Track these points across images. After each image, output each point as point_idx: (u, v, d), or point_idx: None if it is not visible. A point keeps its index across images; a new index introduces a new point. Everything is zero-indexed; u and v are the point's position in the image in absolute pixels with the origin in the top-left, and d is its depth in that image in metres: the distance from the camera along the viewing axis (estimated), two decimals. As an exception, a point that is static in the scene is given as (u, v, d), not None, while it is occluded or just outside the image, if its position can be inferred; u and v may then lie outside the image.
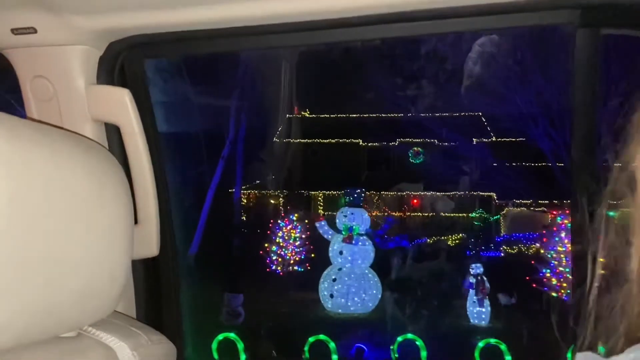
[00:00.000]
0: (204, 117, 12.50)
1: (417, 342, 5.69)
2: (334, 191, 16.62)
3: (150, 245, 1.14)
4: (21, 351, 0.73)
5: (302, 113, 18.65)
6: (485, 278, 6.78)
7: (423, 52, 15.96)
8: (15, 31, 1.07)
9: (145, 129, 1.14)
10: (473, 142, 16.83)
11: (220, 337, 5.73)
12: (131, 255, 0.89)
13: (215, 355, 5.61)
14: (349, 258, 7.41)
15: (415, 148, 17.35)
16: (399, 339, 5.74)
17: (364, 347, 5.63)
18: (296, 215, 8.53)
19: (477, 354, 5.75)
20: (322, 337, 5.72)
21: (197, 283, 8.65)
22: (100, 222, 0.80)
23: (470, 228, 15.38)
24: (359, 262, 7.40)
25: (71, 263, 0.75)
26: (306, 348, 5.74)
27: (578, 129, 1.06)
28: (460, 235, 14.32)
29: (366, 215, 7.60)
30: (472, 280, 6.88)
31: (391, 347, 5.65)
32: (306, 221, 9.40)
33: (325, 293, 7.48)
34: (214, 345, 5.69)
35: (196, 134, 11.99)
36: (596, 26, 1.01)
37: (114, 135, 1.17)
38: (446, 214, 16.45)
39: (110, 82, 1.15)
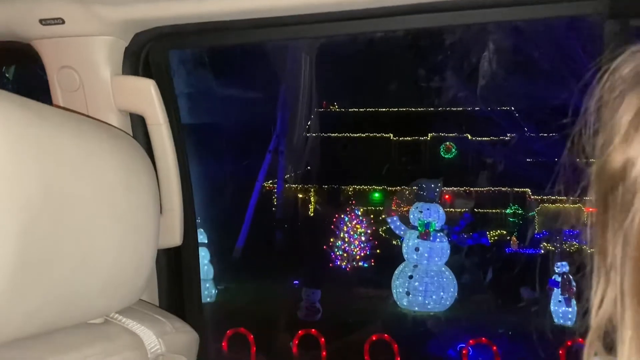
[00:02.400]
0: (245, 111, 12.35)
1: (493, 347, 5.48)
2: (364, 186, 16.49)
3: (174, 235, 1.14)
4: (50, 336, 0.74)
5: (331, 107, 18.49)
6: (571, 277, 6.63)
7: (451, 43, 15.74)
8: (44, 22, 1.08)
9: (170, 120, 1.14)
10: (507, 137, 16.69)
11: (301, 332, 5.52)
12: (157, 244, 0.89)
13: (295, 351, 5.43)
14: (426, 255, 7.27)
15: (447, 143, 17.18)
16: (472, 342, 5.48)
17: (470, 348, 5.47)
18: (361, 209, 8.35)
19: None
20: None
21: (248, 276, 8.53)
22: (127, 211, 0.80)
23: (506, 224, 15.25)
24: (436, 259, 7.26)
25: (99, 251, 0.75)
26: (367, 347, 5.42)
27: None
28: (499, 231, 14.21)
29: (442, 210, 7.45)
30: (558, 278, 6.74)
31: (463, 352, 5.44)
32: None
33: (401, 290, 7.34)
34: (296, 341, 5.49)
35: (240, 128, 11.83)
36: (625, 17, 0.98)
37: (138, 126, 1.18)
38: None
39: (136, 72, 1.17)
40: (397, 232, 7.62)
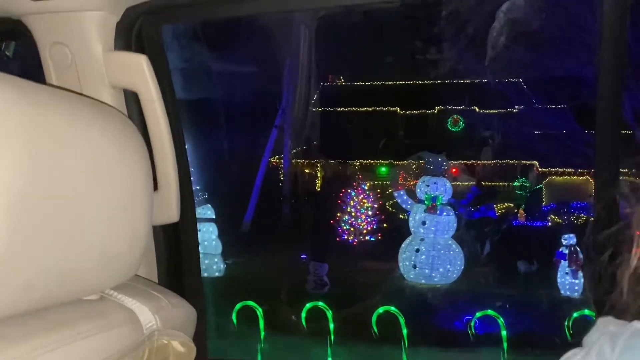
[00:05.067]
0: (249, 87, 12.26)
1: (498, 320, 5.48)
2: (370, 160, 16.44)
3: (170, 211, 1.14)
4: (45, 312, 0.74)
5: (337, 81, 18.32)
6: (578, 248, 6.64)
7: (456, 13, 15.43)
8: None
9: (164, 95, 1.13)
10: (514, 109, 16.51)
11: (309, 305, 5.57)
12: (151, 220, 0.89)
13: (304, 324, 5.49)
14: (433, 229, 7.29)
15: (455, 116, 17.03)
16: (478, 314, 5.50)
17: (477, 320, 5.52)
18: (368, 184, 8.36)
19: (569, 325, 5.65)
20: (392, 309, 5.45)
21: (256, 250, 8.60)
22: (119, 187, 0.81)
23: (513, 197, 15.21)
24: (443, 232, 7.27)
25: (91, 227, 0.75)
26: (374, 320, 5.44)
27: (604, 92, 1.04)
28: (506, 204, 14.18)
29: (449, 184, 7.44)
30: (565, 251, 6.75)
31: (470, 323, 5.48)
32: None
33: (407, 263, 7.38)
34: (304, 314, 5.55)
35: (244, 103, 11.76)
36: None
37: (132, 102, 1.16)
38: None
39: (128, 48, 1.15)
40: (403, 206, 7.63)
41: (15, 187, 0.63)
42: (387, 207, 9.97)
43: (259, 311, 4.93)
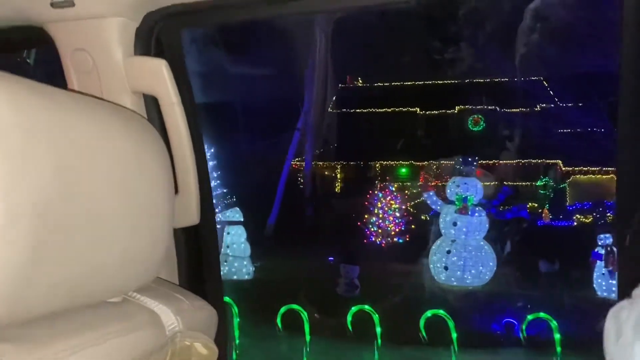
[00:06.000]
0: (269, 91, 12.27)
1: (551, 323, 5.36)
2: (391, 161, 16.35)
3: (191, 213, 1.15)
4: (69, 314, 0.75)
5: (355, 82, 18.27)
6: (615, 249, 6.50)
7: (476, 12, 15.30)
8: (54, 4, 1.07)
9: (183, 99, 1.13)
10: (536, 107, 16.33)
11: (355, 309, 5.50)
12: (172, 222, 0.90)
13: (350, 327, 5.43)
14: (464, 229, 7.20)
15: (475, 116, 16.88)
16: (529, 317, 5.37)
17: (514, 321, 5.42)
18: (395, 185, 8.29)
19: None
20: (440, 312, 5.37)
21: (282, 253, 8.57)
22: (141, 190, 0.81)
23: (537, 197, 15.01)
24: (475, 233, 7.19)
25: (114, 230, 0.76)
26: (422, 324, 5.38)
27: (626, 88, 1.03)
28: (530, 204, 14.00)
29: (480, 185, 7.35)
30: (601, 251, 6.62)
31: (522, 326, 5.36)
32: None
33: (439, 265, 7.30)
34: (349, 318, 5.46)
35: (265, 107, 11.78)
36: None
37: (152, 106, 1.17)
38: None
39: (148, 53, 1.15)
40: (433, 207, 7.56)
41: (40, 191, 0.64)
42: (409, 207, 9.89)
43: (304, 315, 4.88)
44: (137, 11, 1.12)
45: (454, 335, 4.78)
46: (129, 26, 1.12)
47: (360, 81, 18.37)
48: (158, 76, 1.11)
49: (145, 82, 1.13)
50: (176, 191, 1.11)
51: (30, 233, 0.63)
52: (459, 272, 7.13)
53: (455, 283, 7.16)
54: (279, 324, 5.12)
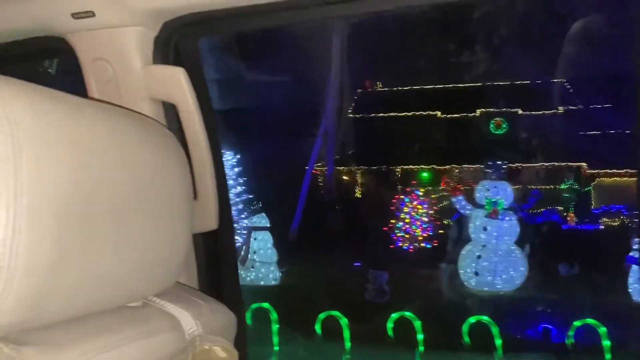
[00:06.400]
0: (288, 97, 12.29)
1: (599, 329, 5.19)
2: (412, 165, 16.23)
3: (209, 219, 1.16)
4: (90, 318, 0.76)
5: (374, 86, 18.21)
6: (650, 253, 6.37)
7: (494, 14, 15.15)
8: (75, 15, 1.10)
9: (201, 106, 1.14)
10: (559, 109, 16.12)
11: (396, 315, 5.39)
12: (191, 228, 0.92)
13: (391, 333, 5.33)
14: (495, 234, 7.10)
15: (497, 119, 16.71)
16: (577, 323, 5.23)
17: (551, 327, 5.32)
18: (422, 190, 8.22)
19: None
20: (484, 318, 5.26)
21: (307, 258, 8.53)
22: (161, 196, 0.82)
23: (562, 200, 14.79)
24: (506, 238, 7.09)
25: (135, 235, 0.77)
26: (465, 330, 5.29)
27: None
28: (547, 207, 13.79)
29: (510, 188, 7.25)
30: (636, 255, 6.48)
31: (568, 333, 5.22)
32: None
33: (469, 270, 7.21)
34: (390, 324, 5.35)
35: (286, 113, 11.80)
36: None
37: (171, 114, 1.18)
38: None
39: (166, 61, 1.17)
40: (462, 211, 7.48)
41: (61, 197, 0.65)
42: (432, 213, 9.80)
43: (344, 321, 4.84)
44: (155, 20, 1.14)
45: (499, 341, 4.69)
46: (147, 35, 1.14)
47: (380, 85, 18.30)
48: (176, 84, 1.12)
49: (164, 90, 1.14)
50: (195, 197, 1.12)
51: (52, 239, 0.64)
52: (489, 277, 7.03)
53: (485, 288, 7.07)
54: (318, 330, 5.06)
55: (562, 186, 15.22)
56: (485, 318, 5.05)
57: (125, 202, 0.75)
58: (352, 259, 8.63)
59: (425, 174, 15.96)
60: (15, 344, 0.66)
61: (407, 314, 5.26)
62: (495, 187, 7.20)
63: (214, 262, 1.29)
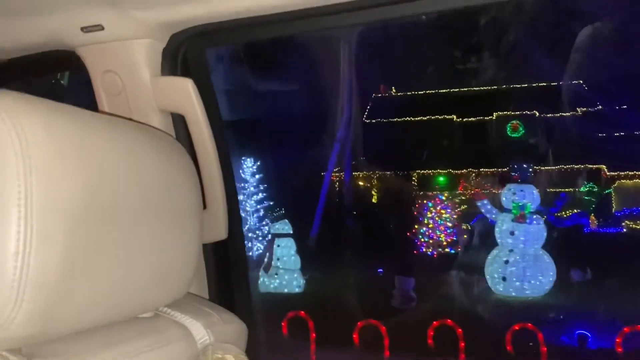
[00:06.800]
0: (305, 105, 12.28)
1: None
2: (429, 170, 16.12)
3: (219, 229, 1.17)
4: (103, 330, 0.77)
5: (389, 92, 18.15)
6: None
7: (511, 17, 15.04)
8: (85, 29, 1.12)
9: (210, 117, 1.15)
10: (577, 112, 15.94)
11: (436, 324, 5.24)
12: (201, 238, 0.92)
13: (430, 342, 5.18)
14: (522, 238, 6.99)
15: (514, 122, 16.58)
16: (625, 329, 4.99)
17: (588, 334, 5.20)
18: (445, 194, 8.12)
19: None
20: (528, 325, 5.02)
21: (329, 265, 8.45)
22: (171, 207, 0.83)
23: (582, 203, 14.59)
24: (534, 242, 6.97)
25: (145, 247, 0.78)
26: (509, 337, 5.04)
27: None
28: (575, 210, 13.61)
29: (536, 191, 7.14)
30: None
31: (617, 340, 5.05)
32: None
33: (496, 276, 7.10)
34: (430, 333, 5.18)
35: (306, 119, 11.78)
36: None
37: (180, 124, 1.19)
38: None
39: (174, 72, 1.18)
40: (488, 215, 7.37)
41: (72, 212, 0.66)
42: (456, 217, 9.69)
43: (382, 329, 4.75)
44: (163, 32, 1.15)
45: (546, 348, 4.58)
46: (155, 47, 1.15)
47: (394, 90, 18.25)
48: (184, 95, 1.13)
49: (173, 101, 1.15)
50: (204, 207, 1.13)
51: (63, 252, 0.65)
52: (517, 283, 6.91)
53: (513, 294, 6.95)
54: (355, 340, 4.96)
55: (582, 189, 15.02)
56: (530, 325, 4.89)
57: (135, 214, 0.75)
58: (373, 265, 8.54)
59: (442, 179, 15.85)
60: (27, 357, 0.67)
61: (448, 322, 5.12)
62: (521, 190, 7.09)
63: (225, 272, 1.29)
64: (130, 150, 0.78)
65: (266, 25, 1.15)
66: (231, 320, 1.00)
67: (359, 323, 4.98)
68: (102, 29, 1.11)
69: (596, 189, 14.97)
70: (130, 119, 1.14)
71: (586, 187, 15.11)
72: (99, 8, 1.10)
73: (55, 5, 1.10)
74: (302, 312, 5.17)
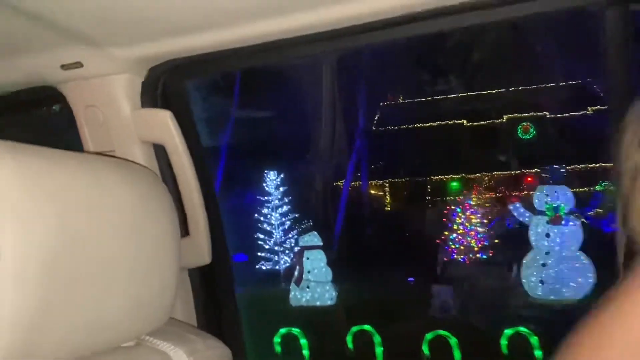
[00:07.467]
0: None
1: None
2: (441, 176, 16.05)
3: (202, 254, 1.19)
4: None
5: (397, 99, 18.14)
6: None
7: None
8: (64, 67, 1.14)
9: (190, 146, 1.17)
10: (588, 111, 15.91)
11: (510, 331, 5.07)
12: (179, 265, 0.93)
13: (505, 352, 5.06)
14: (558, 240, 6.88)
15: (525, 123, 16.53)
16: None
17: None
18: (474, 199, 8.04)
19: None
20: None
21: (358, 274, 8.33)
22: (146, 238, 0.85)
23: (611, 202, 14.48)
24: (570, 244, 6.86)
25: (123, 277, 0.80)
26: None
27: (615, 109, 1.06)
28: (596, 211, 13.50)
29: (570, 192, 7.05)
30: None
31: None
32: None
33: (533, 279, 6.98)
34: (504, 341, 5.03)
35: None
36: (624, 3, 0.99)
37: (162, 155, 1.21)
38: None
39: (154, 104, 1.21)
40: (521, 218, 7.26)
41: (47, 247, 0.68)
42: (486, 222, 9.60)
43: (453, 340, 4.62)
44: (141, 67, 1.18)
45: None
46: (134, 81, 1.18)
47: (402, 98, 18.24)
48: (164, 126, 1.16)
49: (153, 132, 1.18)
50: (187, 233, 1.17)
51: (40, 286, 0.66)
52: (557, 286, 6.79)
53: (552, 297, 6.83)
54: (426, 351, 4.81)
55: (597, 188, 14.94)
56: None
57: (110, 246, 0.77)
58: (401, 274, 8.43)
59: (455, 184, 15.77)
60: None
61: (522, 329, 4.98)
62: (555, 192, 7.00)
63: (211, 296, 1.30)
64: (104, 185, 0.79)
65: (240, 57, 1.17)
66: (215, 346, 1.00)
67: (427, 335, 4.84)
68: (82, 66, 1.13)
69: (612, 188, 14.89)
70: (111, 152, 1.19)
71: (602, 186, 15.05)
72: (78, 46, 1.11)
73: (35, 45, 1.10)
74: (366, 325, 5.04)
